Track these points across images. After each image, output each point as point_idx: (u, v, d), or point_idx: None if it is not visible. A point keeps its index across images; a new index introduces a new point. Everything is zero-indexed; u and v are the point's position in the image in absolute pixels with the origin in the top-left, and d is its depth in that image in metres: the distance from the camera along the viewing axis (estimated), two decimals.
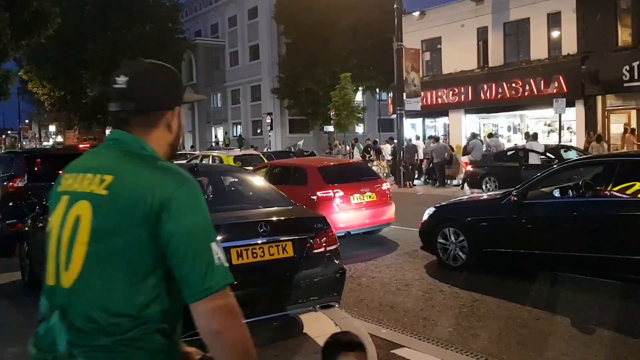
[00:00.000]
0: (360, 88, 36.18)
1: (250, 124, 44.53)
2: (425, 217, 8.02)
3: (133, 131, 1.53)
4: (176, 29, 42.84)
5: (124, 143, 1.52)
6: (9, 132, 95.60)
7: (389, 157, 22.75)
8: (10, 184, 9.32)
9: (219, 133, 49.15)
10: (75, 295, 1.40)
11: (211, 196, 5.53)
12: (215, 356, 1.42)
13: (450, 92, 25.35)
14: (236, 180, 5.99)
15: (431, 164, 19.85)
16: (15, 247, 8.05)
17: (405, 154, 19.71)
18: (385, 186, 9.80)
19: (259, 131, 43.13)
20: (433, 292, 6.60)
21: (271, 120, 37.08)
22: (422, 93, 23.73)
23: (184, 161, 22.48)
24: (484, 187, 16.25)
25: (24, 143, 74.00)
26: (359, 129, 38.22)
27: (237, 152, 20.28)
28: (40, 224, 6.64)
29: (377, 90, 37.68)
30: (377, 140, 29.85)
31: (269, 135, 38.68)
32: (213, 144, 45.29)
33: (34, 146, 70.76)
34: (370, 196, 9.28)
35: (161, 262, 1.39)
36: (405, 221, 10.38)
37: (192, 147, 41.49)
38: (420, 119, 27.60)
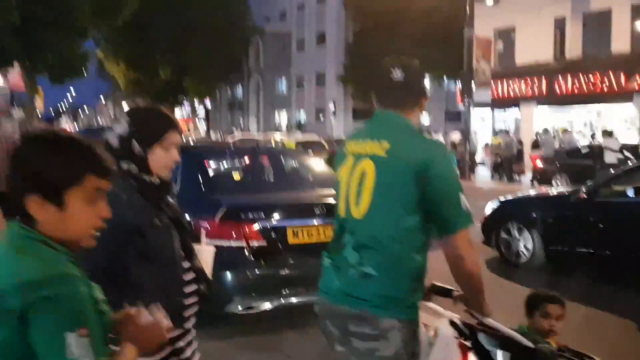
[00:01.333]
0: (426, 77, 35.56)
1: (313, 110, 44.74)
2: (488, 211, 7.77)
3: (399, 111, 2.06)
4: (245, 15, 43.49)
5: (393, 119, 2.06)
6: (86, 110, 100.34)
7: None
8: None
9: (282, 118, 49.72)
10: (363, 223, 1.97)
11: (270, 176, 5.59)
12: (456, 276, 1.98)
13: (523, 84, 24.42)
14: (295, 161, 6.01)
15: (499, 159, 19.26)
16: None
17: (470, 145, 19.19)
18: None
19: (322, 118, 43.28)
20: (493, 288, 6.39)
21: (335, 106, 37.09)
22: (493, 84, 23.00)
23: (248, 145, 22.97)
24: (554, 184, 15.61)
25: (99, 121, 77.64)
26: (424, 119, 37.57)
27: (300, 137, 20.43)
28: None
29: (445, 79, 36.87)
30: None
31: (332, 122, 38.73)
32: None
33: (108, 124, 74.12)
34: None
35: (422, 206, 1.90)
36: None
37: (260, 131, 41.88)
38: (490, 111, 26.79)
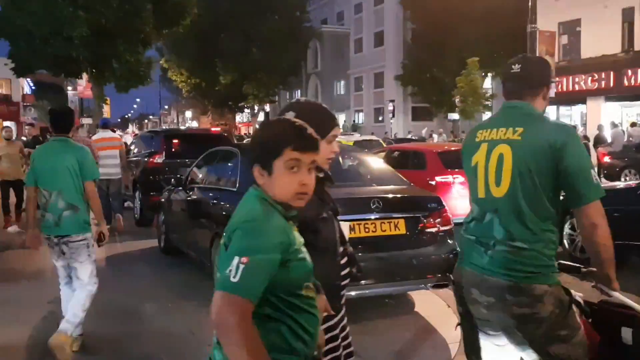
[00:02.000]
0: (489, 74, 34.59)
1: (372, 111, 44.60)
2: None
3: (525, 100, 2.30)
4: (303, 18, 43.91)
5: (521, 108, 2.30)
6: (150, 117, 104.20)
7: None
8: (150, 159, 10.18)
9: (341, 120, 49.83)
10: (506, 201, 2.19)
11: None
12: (590, 245, 2.19)
13: (589, 78, 23.44)
14: (353, 158, 6.05)
15: None
16: (153, 218, 8.80)
17: None
18: None
19: (380, 118, 43.08)
20: None
21: (393, 107, 36.82)
22: (557, 79, 22.19)
23: None
24: (622, 179, 14.93)
25: (164, 127, 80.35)
26: (487, 116, 36.64)
27: (357, 137, 20.44)
28: (175, 196, 7.21)
29: None
30: None
31: (391, 123, 38.47)
32: None
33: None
34: None
35: (557, 181, 2.15)
36: None
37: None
38: (555, 107, 25.83)
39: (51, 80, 38.72)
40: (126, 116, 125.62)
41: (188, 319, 4.96)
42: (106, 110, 26.97)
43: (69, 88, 38.94)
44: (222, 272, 1.50)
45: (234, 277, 1.46)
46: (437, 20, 33.83)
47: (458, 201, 8.49)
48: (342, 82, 49.04)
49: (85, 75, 23.18)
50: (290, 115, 1.98)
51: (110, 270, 6.81)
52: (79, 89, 31.62)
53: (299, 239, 1.65)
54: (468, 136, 2.47)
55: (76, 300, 4.15)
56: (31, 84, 44.00)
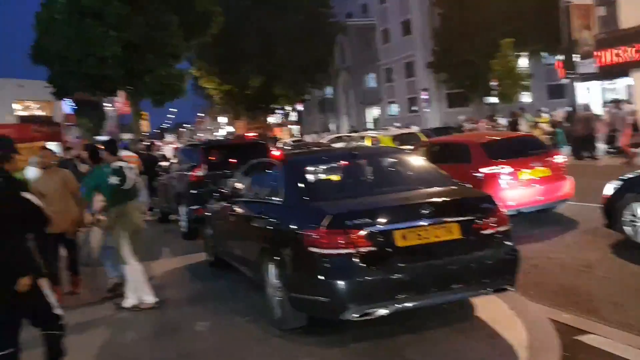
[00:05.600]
0: (523, 53, 33.63)
1: (406, 102, 44.06)
2: (608, 191, 7.18)
3: None
4: (327, 14, 43.68)
5: None
6: (186, 125, 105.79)
7: (550, 128, 20.46)
8: (192, 173, 10.26)
9: (373, 113, 49.39)
10: None
11: (372, 177, 5.52)
12: None
13: (632, 49, 22.38)
14: (396, 161, 5.88)
15: (613, 133, 17.65)
16: (199, 231, 8.85)
17: (581, 121, 17.75)
18: (559, 159, 8.98)
19: (414, 108, 42.51)
20: (622, 275, 5.91)
21: (427, 96, 36.26)
22: (597, 52, 21.33)
23: (342, 144, 23.02)
24: None
25: (200, 135, 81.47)
26: (525, 97, 35.62)
27: (395, 131, 20.16)
28: (220, 210, 7.19)
29: (544, 54, 34.72)
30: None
31: (426, 112, 37.90)
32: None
33: (207, 138, 77.57)
34: (542, 171, 8.56)
35: None
36: (584, 196, 9.41)
37: (352, 129, 40.61)
38: (597, 82, 24.85)
39: (90, 98, 39.73)
40: (163, 126, 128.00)
41: (240, 335, 4.92)
42: (144, 125, 27.49)
43: (107, 105, 39.84)
44: None
45: None
46: (464, 2, 33.13)
47: (508, 192, 8.24)
48: (372, 75, 48.60)
49: (121, 92, 23.69)
50: None
51: (159, 286, 6.82)
52: (117, 105, 32.32)
53: None
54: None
55: None
56: (72, 104, 45.23)
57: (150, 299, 6.04)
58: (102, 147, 6.69)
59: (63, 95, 24.23)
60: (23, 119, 37.58)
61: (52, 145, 13.74)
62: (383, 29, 45.85)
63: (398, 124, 29.70)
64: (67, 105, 39.44)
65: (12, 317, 3.62)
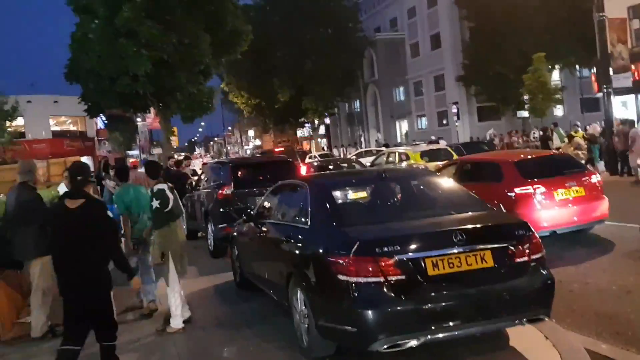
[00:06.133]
0: (556, 66, 33.05)
1: (435, 115, 43.74)
2: None
3: None
4: (356, 28, 43.80)
5: None
6: (215, 139, 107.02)
7: (584, 143, 19.81)
8: (220, 191, 10.26)
9: (403, 127, 49.11)
10: None
11: (402, 202, 5.40)
12: None
13: None
14: (426, 184, 5.75)
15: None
16: (227, 249, 8.82)
17: (621, 136, 17.19)
18: (595, 178, 8.70)
19: (445, 122, 42.13)
20: None
21: (457, 109, 35.91)
22: (633, 66, 20.82)
23: (370, 158, 22.88)
24: None
25: (229, 148, 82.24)
26: (558, 111, 34.97)
27: (424, 147, 19.94)
28: (246, 231, 7.14)
29: (577, 66, 34.09)
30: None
31: (456, 125, 37.49)
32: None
33: (237, 150, 78.17)
34: (577, 190, 8.30)
35: None
36: (622, 215, 9.10)
37: (385, 144, 39.40)
38: (633, 96, 24.22)
39: (122, 113, 40.62)
40: (192, 139, 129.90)
41: None
42: (174, 140, 27.88)
43: (139, 120, 40.62)
44: None
45: None
46: (494, 15, 32.86)
47: (542, 213, 8.01)
48: (401, 88, 48.45)
49: (152, 109, 24.10)
50: None
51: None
52: (148, 120, 32.90)
53: None
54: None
55: None
56: (104, 119, 46.29)
57: (179, 323, 6.01)
58: (132, 165, 6.77)
59: (96, 113, 24.73)
60: (56, 134, 38.63)
61: (85, 160, 13.85)
62: (412, 43, 45.73)
63: (434, 137, 29.33)
64: (99, 120, 40.35)
65: (88, 321, 4.33)
